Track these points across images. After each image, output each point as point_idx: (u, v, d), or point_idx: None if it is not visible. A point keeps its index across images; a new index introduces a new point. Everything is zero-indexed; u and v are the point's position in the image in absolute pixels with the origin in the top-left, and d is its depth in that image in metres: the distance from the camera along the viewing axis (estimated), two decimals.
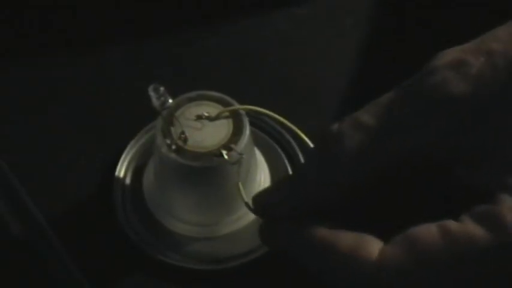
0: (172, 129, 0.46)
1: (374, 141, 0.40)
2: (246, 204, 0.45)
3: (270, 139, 0.53)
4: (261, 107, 0.48)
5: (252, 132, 0.47)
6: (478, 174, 0.40)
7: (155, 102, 0.45)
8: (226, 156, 0.45)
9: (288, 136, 0.52)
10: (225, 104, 0.47)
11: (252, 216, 0.49)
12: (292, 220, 0.42)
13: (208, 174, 0.46)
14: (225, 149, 0.45)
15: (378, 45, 0.59)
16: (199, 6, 0.60)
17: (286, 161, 0.52)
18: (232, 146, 0.45)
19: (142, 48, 0.58)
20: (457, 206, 0.40)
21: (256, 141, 0.50)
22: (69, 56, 0.58)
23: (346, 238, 0.40)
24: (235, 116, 0.46)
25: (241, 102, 0.47)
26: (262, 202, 0.44)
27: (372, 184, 0.41)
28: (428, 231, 0.38)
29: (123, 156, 0.52)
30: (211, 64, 0.58)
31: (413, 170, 0.41)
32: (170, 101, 0.46)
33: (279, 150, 0.52)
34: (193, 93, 0.47)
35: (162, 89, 0.45)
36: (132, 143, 0.52)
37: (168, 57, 0.58)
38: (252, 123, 0.48)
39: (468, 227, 0.37)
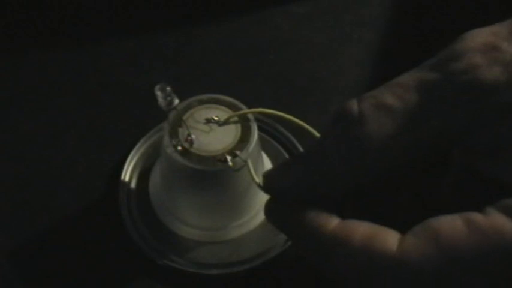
0: (180, 130, 0.45)
1: (400, 127, 0.37)
2: (258, 184, 0.43)
3: (278, 145, 0.52)
4: (260, 106, 0.47)
5: (259, 138, 0.47)
6: (503, 166, 0.37)
7: (161, 102, 0.45)
8: (230, 163, 0.45)
9: (296, 142, 0.52)
10: (236, 109, 0.47)
11: (257, 222, 0.49)
12: (301, 210, 0.39)
13: (212, 178, 0.45)
14: (230, 154, 0.45)
15: (377, 44, 0.59)
16: (199, 6, 0.59)
17: None
18: (238, 152, 0.45)
19: (143, 48, 0.58)
20: (475, 200, 0.38)
21: (264, 146, 0.50)
22: (69, 56, 0.57)
23: (360, 230, 0.37)
24: (244, 122, 0.46)
25: (240, 101, 0.47)
26: (273, 182, 0.41)
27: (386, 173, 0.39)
28: (452, 222, 0.36)
29: (129, 156, 0.51)
30: (211, 64, 0.57)
31: (433, 159, 0.40)
32: (177, 101, 0.45)
33: (287, 156, 0.52)
34: (204, 96, 0.47)
35: (168, 88, 0.45)
36: (139, 143, 0.52)
37: (168, 57, 0.57)
38: (260, 129, 0.47)
39: (495, 219, 0.35)
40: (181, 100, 0.46)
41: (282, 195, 0.41)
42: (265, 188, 0.42)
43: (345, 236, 0.38)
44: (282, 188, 0.41)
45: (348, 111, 0.39)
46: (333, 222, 0.38)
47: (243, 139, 0.46)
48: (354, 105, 0.39)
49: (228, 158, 0.45)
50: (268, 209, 0.42)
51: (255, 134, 0.46)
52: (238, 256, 0.48)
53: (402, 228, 0.38)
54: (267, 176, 0.42)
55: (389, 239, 0.37)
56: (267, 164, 0.51)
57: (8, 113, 0.54)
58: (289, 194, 0.41)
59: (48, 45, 0.58)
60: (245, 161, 0.45)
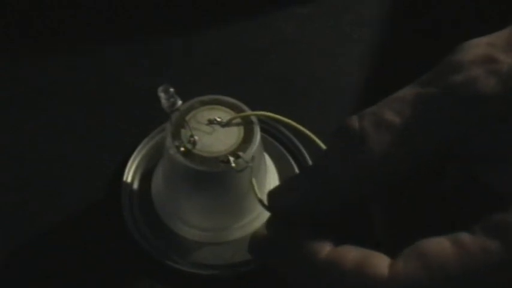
0: (183, 131, 0.45)
1: (401, 141, 0.38)
2: (260, 201, 0.44)
3: (280, 146, 0.52)
4: (260, 106, 0.48)
5: (262, 139, 0.47)
6: (495, 177, 0.38)
7: (165, 103, 0.45)
8: (233, 164, 0.45)
9: (298, 143, 0.52)
10: (238, 110, 0.47)
11: (259, 223, 0.49)
12: (299, 231, 0.40)
13: (214, 179, 0.45)
14: (232, 155, 0.45)
15: (377, 44, 0.58)
16: (200, 6, 0.59)
17: (296, 168, 0.52)
18: (240, 153, 0.45)
19: (143, 49, 0.58)
20: (475, 204, 0.38)
21: (267, 148, 0.50)
22: (70, 57, 0.57)
23: (351, 255, 0.38)
24: (246, 124, 0.46)
25: (242, 102, 0.47)
26: (279, 199, 0.42)
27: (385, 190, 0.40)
28: (440, 245, 0.36)
29: (132, 157, 0.51)
30: (212, 65, 0.57)
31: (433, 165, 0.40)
32: (180, 102, 0.45)
33: (289, 157, 0.52)
34: (206, 97, 0.47)
35: (171, 90, 0.45)
36: (141, 144, 0.52)
37: (168, 57, 0.57)
38: (263, 130, 0.48)
39: (482, 239, 0.36)
40: (183, 101, 0.46)
41: (288, 213, 0.41)
42: (270, 206, 0.42)
43: (337, 262, 0.38)
44: (287, 204, 0.41)
45: (350, 129, 0.39)
46: (327, 247, 0.39)
47: (246, 140, 0.46)
48: (355, 122, 0.39)
49: (231, 159, 0.45)
50: (272, 227, 0.42)
51: (258, 135, 0.46)
52: (240, 257, 0.48)
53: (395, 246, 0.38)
54: (272, 194, 0.42)
55: (380, 264, 0.37)
56: (269, 165, 0.51)
57: (8, 113, 0.54)
58: (294, 210, 0.41)
59: (48, 45, 0.57)
60: (248, 162, 0.45)
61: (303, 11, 0.60)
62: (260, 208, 0.47)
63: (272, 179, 0.50)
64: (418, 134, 0.38)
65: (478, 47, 0.39)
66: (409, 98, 0.39)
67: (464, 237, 0.36)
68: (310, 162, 0.51)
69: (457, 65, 0.38)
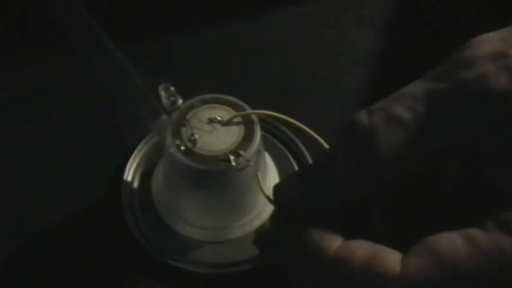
0: (183, 130, 0.45)
1: (412, 139, 0.37)
2: (267, 197, 0.44)
3: (280, 144, 0.52)
4: (260, 106, 0.47)
5: (262, 137, 0.46)
6: (503, 176, 0.37)
7: (165, 101, 0.45)
8: (233, 162, 0.44)
9: (298, 141, 0.52)
10: (239, 109, 0.47)
11: (260, 221, 0.49)
12: (306, 226, 0.39)
13: (214, 178, 0.45)
14: (233, 154, 0.45)
15: (377, 44, 0.59)
16: (200, 6, 0.59)
17: (296, 167, 0.52)
18: (241, 152, 0.45)
19: (143, 49, 0.58)
20: (476, 204, 0.38)
21: (267, 146, 0.50)
22: (70, 57, 0.57)
23: (361, 251, 0.37)
24: (247, 123, 0.46)
25: (242, 101, 0.47)
26: (282, 195, 0.41)
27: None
28: (452, 240, 0.36)
29: (132, 157, 0.51)
30: (212, 64, 0.57)
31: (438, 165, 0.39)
32: (180, 101, 0.45)
33: (289, 156, 0.52)
34: (207, 96, 0.47)
35: (172, 88, 0.45)
36: (142, 143, 0.52)
37: (168, 57, 0.57)
38: (263, 128, 0.47)
39: (496, 236, 0.35)
40: (183, 100, 0.45)
41: (290, 209, 0.41)
42: (274, 201, 0.42)
43: (346, 258, 0.37)
44: (288, 201, 0.41)
45: (359, 125, 0.38)
46: (336, 243, 0.38)
47: (246, 139, 0.46)
48: (364, 117, 0.38)
49: (231, 157, 0.45)
50: (274, 221, 0.42)
51: (258, 134, 0.46)
52: (242, 255, 0.48)
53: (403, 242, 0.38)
54: (276, 188, 0.42)
55: (391, 260, 0.36)
56: (270, 163, 0.51)
57: (8, 113, 0.54)
58: (296, 207, 0.40)
59: (48, 45, 0.57)
60: (248, 161, 0.45)
61: (303, 11, 0.60)
62: (261, 206, 0.48)
63: (272, 177, 0.50)
64: (429, 131, 0.37)
65: (488, 42, 0.38)
66: (419, 93, 0.38)
67: (477, 234, 0.36)
68: (310, 161, 0.51)
69: (468, 61, 0.37)
